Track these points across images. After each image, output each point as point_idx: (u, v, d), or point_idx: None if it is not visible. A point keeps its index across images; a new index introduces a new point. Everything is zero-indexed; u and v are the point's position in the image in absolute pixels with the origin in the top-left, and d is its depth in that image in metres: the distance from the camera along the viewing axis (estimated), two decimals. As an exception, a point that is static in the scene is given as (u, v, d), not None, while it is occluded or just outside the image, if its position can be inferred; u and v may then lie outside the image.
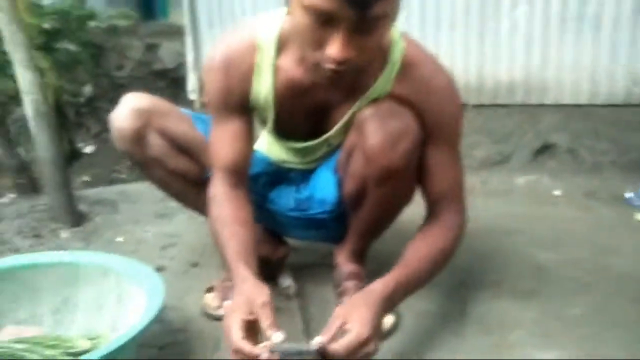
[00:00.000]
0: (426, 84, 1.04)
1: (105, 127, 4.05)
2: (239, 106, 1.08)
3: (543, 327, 1.14)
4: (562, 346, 1.07)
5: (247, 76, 1.06)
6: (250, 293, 0.89)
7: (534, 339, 1.10)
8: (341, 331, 0.85)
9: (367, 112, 1.03)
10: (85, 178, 3.05)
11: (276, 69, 1.05)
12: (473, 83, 2.55)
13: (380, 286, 0.93)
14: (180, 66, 3.59)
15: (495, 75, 2.55)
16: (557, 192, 2.03)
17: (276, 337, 0.82)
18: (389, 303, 0.93)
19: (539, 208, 1.89)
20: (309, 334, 1.11)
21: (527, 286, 1.31)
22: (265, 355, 0.80)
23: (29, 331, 1.02)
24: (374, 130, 1.01)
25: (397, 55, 1.03)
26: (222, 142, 1.09)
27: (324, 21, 0.85)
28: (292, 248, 1.42)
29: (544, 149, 2.30)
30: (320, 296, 1.29)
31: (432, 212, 1.09)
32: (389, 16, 0.88)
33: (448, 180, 1.08)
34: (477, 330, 1.14)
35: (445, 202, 1.08)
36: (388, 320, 1.12)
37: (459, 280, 1.34)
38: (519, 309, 1.21)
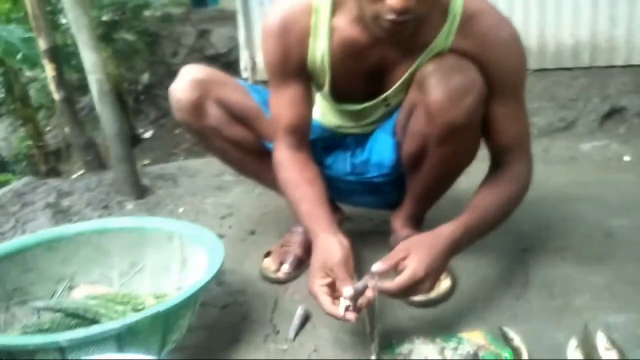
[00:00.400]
0: (489, 36, 1.00)
1: (162, 113, 4.23)
2: (297, 70, 1.08)
3: (612, 292, 1.08)
4: (633, 310, 1.01)
5: (303, 39, 1.05)
6: (323, 255, 0.94)
7: (602, 302, 1.05)
8: (400, 266, 0.90)
9: (429, 68, 1.00)
10: (146, 161, 3.19)
11: (332, 30, 1.04)
12: (534, 47, 2.43)
13: (448, 229, 0.95)
14: (232, 50, 3.66)
15: (558, 37, 2.41)
16: (627, 158, 1.92)
17: (346, 291, 0.88)
18: (455, 246, 0.95)
19: (607, 174, 1.79)
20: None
21: (595, 252, 1.25)
22: (352, 317, 0.86)
23: (101, 290, 1.08)
24: (436, 85, 0.99)
25: (457, 7, 1.00)
26: (282, 107, 1.10)
27: None
28: (347, 216, 1.42)
29: (612, 113, 2.17)
30: (376, 261, 1.28)
31: (498, 163, 1.07)
32: None
33: (514, 132, 1.05)
34: (540, 294, 1.10)
35: (512, 153, 1.05)
36: (444, 284, 1.11)
37: (522, 246, 1.30)
38: (585, 274, 1.16)
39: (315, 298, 0.91)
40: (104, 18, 3.92)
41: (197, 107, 1.18)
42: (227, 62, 3.75)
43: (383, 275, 0.90)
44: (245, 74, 3.07)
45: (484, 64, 1.00)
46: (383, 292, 0.90)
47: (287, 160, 1.10)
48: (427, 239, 0.94)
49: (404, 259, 0.90)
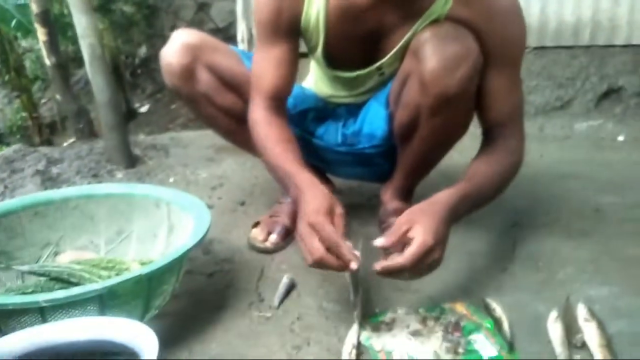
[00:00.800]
0: (488, 5, 0.98)
1: (159, 88, 4.18)
2: (289, 29, 1.05)
3: (596, 266, 1.09)
4: (615, 283, 1.02)
5: None
6: (328, 201, 0.88)
7: (585, 276, 1.05)
8: (405, 239, 0.83)
9: (425, 35, 0.98)
10: (141, 136, 3.16)
11: None
12: (535, 24, 2.38)
13: (445, 196, 0.90)
14: (231, 25, 3.60)
15: (560, 14, 2.37)
16: (621, 138, 1.91)
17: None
18: (453, 213, 0.89)
19: (600, 153, 1.78)
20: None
21: (582, 227, 1.25)
22: (355, 264, 0.82)
23: (87, 255, 1.08)
24: (431, 53, 0.96)
25: None
26: (265, 67, 1.07)
27: None
28: (337, 189, 1.42)
29: (610, 93, 2.15)
30: (365, 233, 1.28)
31: (491, 137, 1.05)
32: None
33: (508, 105, 1.03)
34: (526, 267, 1.10)
35: (506, 128, 1.04)
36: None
37: (510, 221, 1.30)
38: (571, 249, 1.16)
39: (318, 228, 0.83)
40: (102, -12, 3.84)
41: (188, 71, 1.16)
42: (227, 37, 3.70)
43: (386, 252, 0.84)
44: (241, 45, 3.03)
45: (481, 33, 0.98)
46: (391, 273, 0.83)
47: (266, 121, 1.06)
48: (426, 208, 0.88)
49: (407, 231, 0.84)
